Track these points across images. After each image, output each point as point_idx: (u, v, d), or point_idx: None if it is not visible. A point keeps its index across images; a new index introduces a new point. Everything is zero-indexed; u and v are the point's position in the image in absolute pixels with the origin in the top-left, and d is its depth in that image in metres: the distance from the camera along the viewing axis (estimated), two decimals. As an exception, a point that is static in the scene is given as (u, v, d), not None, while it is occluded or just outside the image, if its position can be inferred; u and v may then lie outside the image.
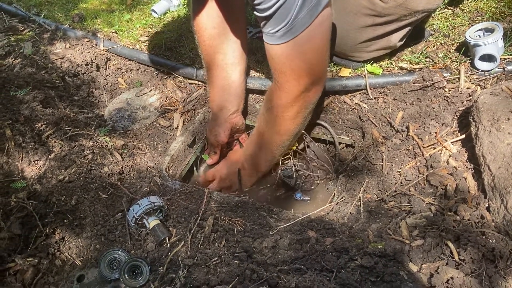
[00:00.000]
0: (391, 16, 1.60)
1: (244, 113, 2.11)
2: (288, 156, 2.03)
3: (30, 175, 1.56)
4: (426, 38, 1.92)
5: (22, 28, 2.44)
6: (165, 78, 2.27)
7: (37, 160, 1.59)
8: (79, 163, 1.62)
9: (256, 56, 2.12)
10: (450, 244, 1.20)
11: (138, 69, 2.39)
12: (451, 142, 1.54)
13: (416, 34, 1.89)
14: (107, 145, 1.79)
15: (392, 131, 1.76)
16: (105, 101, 2.23)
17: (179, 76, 2.23)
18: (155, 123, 2.09)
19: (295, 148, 2.06)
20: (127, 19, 2.58)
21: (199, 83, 2.25)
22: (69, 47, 2.29)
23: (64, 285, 1.36)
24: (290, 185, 2.07)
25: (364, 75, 1.86)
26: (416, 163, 1.58)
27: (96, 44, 2.34)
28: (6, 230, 1.40)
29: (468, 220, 1.27)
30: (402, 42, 1.79)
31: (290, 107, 1.59)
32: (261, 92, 2.13)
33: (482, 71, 1.69)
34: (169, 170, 1.90)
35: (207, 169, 2.21)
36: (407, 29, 1.71)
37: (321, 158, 2.12)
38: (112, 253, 1.37)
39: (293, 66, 1.46)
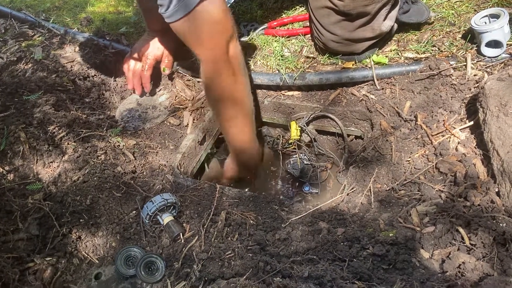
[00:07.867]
0: (354, 10, 1.62)
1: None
2: (293, 148, 2.05)
3: (45, 177, 1.59)
4: (426, 17, 1.89)
5: (32, 34, 2.48)
6: (173, 77, 2.29)
7: (52, 162, 1.63)
8: (93, 163, 1.65)
9: (262, 52, 2.13)
10: (461, 230, 1.21)
11: (146, 70, 2.40)
12: (460, 129, 1.54)
13: (416, 13, 1.88)
14: (119, 145, 1.82)
15: (400, 120, 1.77)
16: (115, 102, 2.26)
17: (187, 75, 2.25)
18: (165, 122, 2.11)
19: (298, 137, 2.07)
20: (134, 21, 2.61)
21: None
22: (78, 50, 2.32)
23: (82, 283, 1.40)
24: (295, 175, 2.09)
25: (371, 66, 1.86)
26: (425, 152, 1.58)
27: (104, 47, 2.37)
28: (24, 231, 1.44)
29: (478, 205, 1.28)
30: (391, 23, 1.79)
31: (215, 74, 1.62)
32: (268, 88, 2.14)
33: (488, 57, 1.68)
34: (180, 168, 1.92)
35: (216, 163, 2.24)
36: (384, 13, 1.71)
37: (329, 151, 2.13)
38: (128, 250, 1.41)
39: (198, 39, 1.52)
